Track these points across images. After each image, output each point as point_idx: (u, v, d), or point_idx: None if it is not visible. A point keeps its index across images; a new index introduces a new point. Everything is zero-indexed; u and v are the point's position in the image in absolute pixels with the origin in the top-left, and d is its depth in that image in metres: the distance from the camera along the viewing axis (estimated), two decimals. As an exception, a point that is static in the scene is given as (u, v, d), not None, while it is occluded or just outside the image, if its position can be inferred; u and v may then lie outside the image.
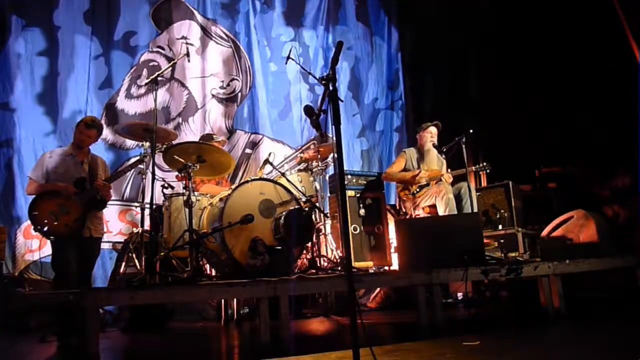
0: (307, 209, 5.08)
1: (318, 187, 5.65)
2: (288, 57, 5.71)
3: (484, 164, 5.93)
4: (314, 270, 4.76)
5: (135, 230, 5.92)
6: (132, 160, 5.87)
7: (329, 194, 6.24)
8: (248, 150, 7.84)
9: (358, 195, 5.69)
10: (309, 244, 5.10)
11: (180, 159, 4.65)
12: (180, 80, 7.55)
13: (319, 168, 5.78)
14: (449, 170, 6.05)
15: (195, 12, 7.86)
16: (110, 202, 5.21)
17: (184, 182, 4.75)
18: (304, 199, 5.24)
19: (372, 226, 5.62)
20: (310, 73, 6.39)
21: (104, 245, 5.81)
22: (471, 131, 5.70)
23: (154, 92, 4.99)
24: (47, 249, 5.00)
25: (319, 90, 8.27)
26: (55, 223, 4.39)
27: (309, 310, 6.04)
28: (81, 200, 4.51)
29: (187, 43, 7.54)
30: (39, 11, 6.81)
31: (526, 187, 7.27)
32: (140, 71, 7.30)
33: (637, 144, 5.44)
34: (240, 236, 4.75)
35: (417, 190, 5.86)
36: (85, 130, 4.79)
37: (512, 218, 6.46)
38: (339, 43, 2.98)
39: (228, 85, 7.91)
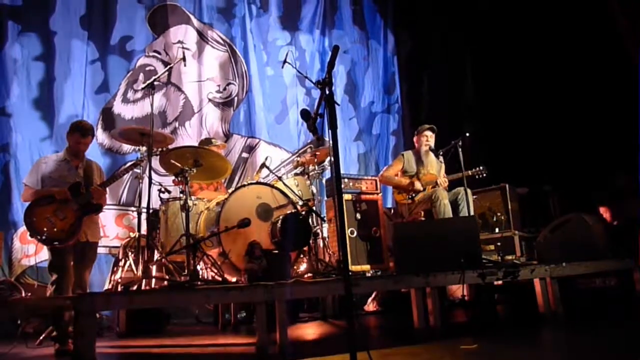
0: (304, 212, 5.08)
1: (315, 191, 5.65)
2: (284, 61, 5.72)
3: (480, 167, 5.93)
4: (311, 274, 4.76)
5: (132, 234, 5.91)
6: (128, 164, 5.87)
7: (325, 198, 6.24)
8: (245, 155, 7.85)
9: (355, 198, 5.69)
10: (306, 248, 5.10)
11: (177, 164, 4.65)
12: (177, 84, 7.56)
13: (316, 172, 5.79)
14: (444, 175, 6.04)
15: (192, 17, 7.87)
16: (107, 207, 5.21)
17: (180, 186, 4.75)
18: (300, 203, 5.24)
19: (369, 229, 5.62)
20: (306, 77, 6.42)
21: (101, 250, 5.78)
22: (467, 134, 5.71)
23: (150, 97, 4.99)
24: (44, 254, 4.98)
25: (316, 94, 8.27)
26: (53, 229, 4.37)
27: (306, 314, 6.04)
28: (77, 205, 4.50)
29: (183, 47, 7.55)
30: (35, 16, 6.80)
31: (523, 190, 7.27)
32: (137, 76, 7.30)
33: (636, 145, 5.44)
34: (237, 240, 4.75)
35: (414, 194, 5.87)
36: (82, 140, 4.74)
37: (508, 221, 6.47)
38: (335, 47, 2.99)
39: (224, 89, 7.92)
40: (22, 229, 5.99)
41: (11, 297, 5.38)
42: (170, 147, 5.19)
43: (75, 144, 4.72)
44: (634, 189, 5.60)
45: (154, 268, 4.95)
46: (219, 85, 7.90)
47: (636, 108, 5.52)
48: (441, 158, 6.11)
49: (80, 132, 4.72)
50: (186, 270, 4.59)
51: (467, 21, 8.74)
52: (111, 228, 6.69)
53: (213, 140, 6.15)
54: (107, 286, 5.70)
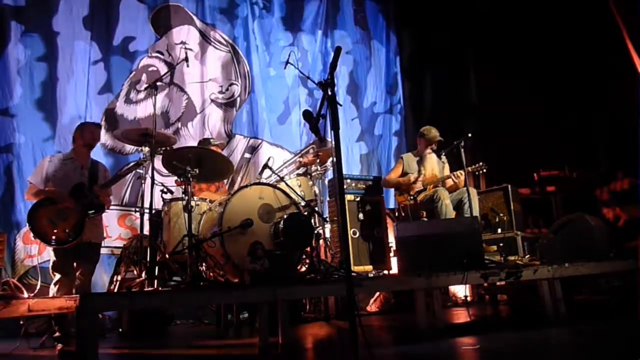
0: (306, 213, 5.08)
1: (317, 192, 5.65)
2: (287, 62, 5.72)
3: (480, 163, 5.89)
4: (313, 275, 4.76)
5: (134, 235, 5.91)
6: (131, 164, 5.87)
7: (328, 198, 6.24)
8: (247, 155, 7.85)
9: (357, 199, 5.69)
10: (309, 249, 5.10)
11: (180, 164, 4.65)
12: (179, 85, 7.56)
13: (318, 172, 5.78)
14: (457, 172, 5.93)
15: (194, 17, 7.87)
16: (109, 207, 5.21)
17: (183, 186, 4.75)
18: (303, 204, 5.24)
19: (371, 230, 5.62)
20: (309, 77, 6.41)
21: (103, 251, 5.79)
22: (470, 135, 5.69)
23: (153, 97, 5.00)
24: (47, 254, 5.00)
25: (318, 94, 8.28)
26: (54, 230, 4.38)
27: (308, 315, 6.03)
28: (79, 205, 4.51)
29: (186, 48, 7.53)
30: (38, 17, 6.80)
31: (525, 191, 7.26)
32: (140, 76, 7.31)
33: (637, 147, 5.43)
34: (239, 241, 4.75)
35: (415, 195, 5.86)
36: (95, 130, 4.86)
37: (511, 221, 6.45)
38: (338, 48, 3.00)
39: (227, 90, 7.92)
40: (25, 229, 5.99)
41: (14, 297, 5.39)
42: (172, 147, 5.20)
43: (90, 133, 4.89)
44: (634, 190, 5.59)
45: (156, 269, 4.95)
46: (221, 86, 7.90)
47: (637, 108, 5.51)
48: (444, 158, 6.09)
49: (96, 124, 5.00)
50: (189, 271, 4.59)
51: (469, 21, 8.73)
52: (114, 229, 6.69)
53: (212, 140, 6.15)
54: (109, 287, 5.71)
